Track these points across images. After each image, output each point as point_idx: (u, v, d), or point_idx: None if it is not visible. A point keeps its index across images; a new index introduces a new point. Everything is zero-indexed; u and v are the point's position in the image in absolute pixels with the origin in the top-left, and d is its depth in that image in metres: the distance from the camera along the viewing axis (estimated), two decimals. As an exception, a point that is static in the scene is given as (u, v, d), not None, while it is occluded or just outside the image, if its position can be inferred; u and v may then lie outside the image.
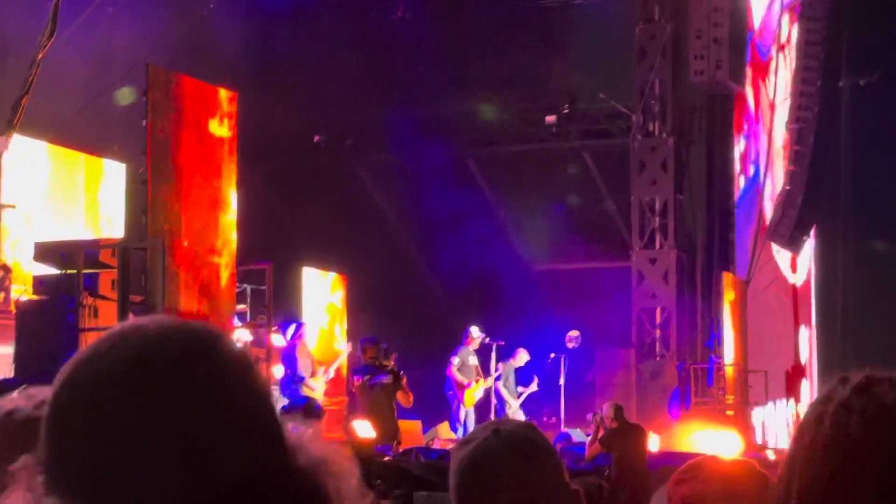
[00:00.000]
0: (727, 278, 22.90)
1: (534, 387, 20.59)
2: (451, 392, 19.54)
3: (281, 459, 1.50)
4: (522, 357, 20.55)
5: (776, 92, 24.26)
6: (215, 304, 14.47)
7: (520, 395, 20.60)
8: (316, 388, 16.94)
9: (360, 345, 16.56)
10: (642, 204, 23.12)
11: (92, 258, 12.81)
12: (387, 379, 15.60)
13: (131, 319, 1.59)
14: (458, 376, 19.39)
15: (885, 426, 1.75)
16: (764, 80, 24.89)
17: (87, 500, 1.43)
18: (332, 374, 18.39)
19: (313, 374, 17.23)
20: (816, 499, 1.76)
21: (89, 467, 1.44)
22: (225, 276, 14.72)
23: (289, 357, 17.02)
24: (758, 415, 22.82)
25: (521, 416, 19.54)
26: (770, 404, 23.35)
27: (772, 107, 24.54)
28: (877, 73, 26.01)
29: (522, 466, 2.75)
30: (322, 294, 21.69)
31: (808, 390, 26.52)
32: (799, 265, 27.82)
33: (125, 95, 17.02)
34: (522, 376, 20.74)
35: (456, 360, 19.53)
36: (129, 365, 1.46)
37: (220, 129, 14.75)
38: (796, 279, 27.94)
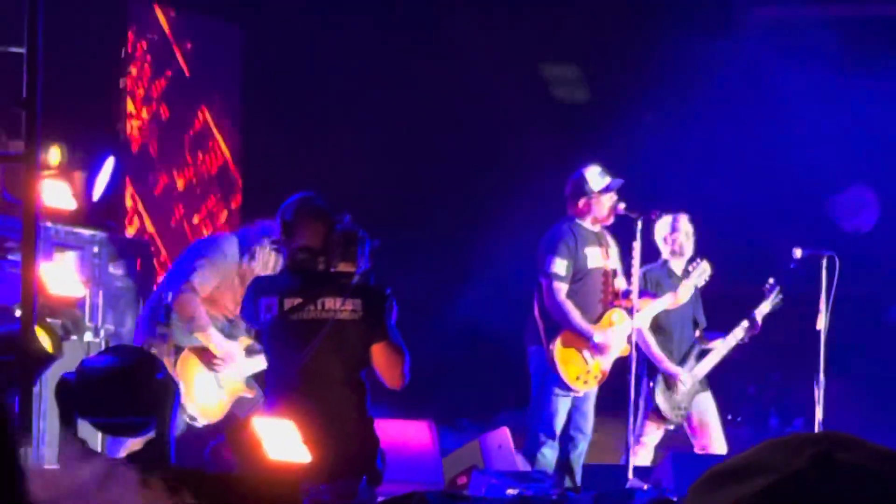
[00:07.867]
0: None
1: (740, 332, 9.28)
2: (533, 347, 8.86)
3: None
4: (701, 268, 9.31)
5: None
6: None
7: (698, 358, 9.29)
8: (214, 339, 7.68)
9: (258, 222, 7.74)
10: None
11: None
12: (345, 308, 6.51)
13: None
14: (567, 304, 8.71)
15: None
16: None
17: None
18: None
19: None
20: None
21: None
22: None
23: (183, 260, 8.17)
24: None
25: (706, 422, 9.44)
26: None
27: None
28: None
29: None
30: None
31: None
32: None
33: None
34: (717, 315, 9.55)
35: (558, 263, 8.74)
36: None
37: None
38: None
